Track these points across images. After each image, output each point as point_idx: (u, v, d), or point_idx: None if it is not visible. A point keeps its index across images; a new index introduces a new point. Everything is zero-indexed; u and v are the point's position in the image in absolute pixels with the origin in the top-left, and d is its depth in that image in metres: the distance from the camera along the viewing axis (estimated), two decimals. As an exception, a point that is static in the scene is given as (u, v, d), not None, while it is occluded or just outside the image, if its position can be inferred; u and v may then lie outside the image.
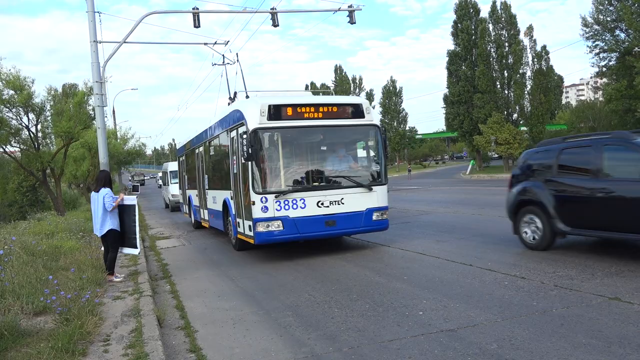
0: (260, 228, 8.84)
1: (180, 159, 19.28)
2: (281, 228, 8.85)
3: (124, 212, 8.30)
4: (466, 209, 16.05)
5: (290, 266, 8.82)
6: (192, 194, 16.34)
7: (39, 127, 21.21)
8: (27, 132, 20.83)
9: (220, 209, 11.71)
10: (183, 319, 6.18)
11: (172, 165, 27.10)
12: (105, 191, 7.97)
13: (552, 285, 6.32)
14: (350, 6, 15.89)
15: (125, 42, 13.60)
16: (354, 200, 9.26)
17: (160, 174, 36.13)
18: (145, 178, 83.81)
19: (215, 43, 16.18)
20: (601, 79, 39.73)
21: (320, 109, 9.35)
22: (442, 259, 8.45)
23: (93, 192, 8.23)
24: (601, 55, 34.37)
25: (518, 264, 7.58)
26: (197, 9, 14.81)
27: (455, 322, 5.24)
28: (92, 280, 7.39)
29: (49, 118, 21.89)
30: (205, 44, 16.35)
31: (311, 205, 8.98)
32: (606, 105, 35.00)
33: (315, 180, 9.29)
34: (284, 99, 9.60)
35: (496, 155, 51.64)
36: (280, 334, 5.35)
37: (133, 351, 4.74)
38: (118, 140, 36.58)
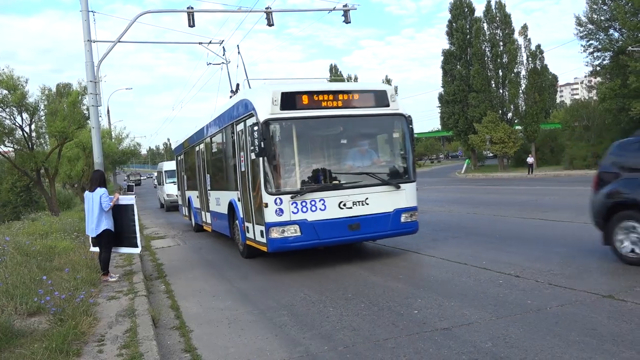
0: (274, 234, 7.79)
1: (179, 157, 18.21)
2: (298, 233, 7.82)
3: (120, 212, 8.27)
4: (461, 207, 16.10)
5: (285, 265, 8.81)
6: (192, 195, 15.25)
7: (32, 126, 21.15)
8: (20, 132, 20.77)
9: (225, 211, 10.63)
10: (178, 318, 6.17)
11: (167, 165, 27.04)
12: (101, 191, 7.93)
13: (547, 283, 6.35)
14: (345, 5, 15.89)
15: (119, 41, 13.54)
16: (380, 200, 8.26)
17: (156, 174, 36.08)
18: (142, 178, 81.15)
19: (210, 42, 16.14)
20: (595, 78, 39.92)
21: (340, 97, 8.31)
22: (437, 257, 8.47)
23: (87, 192, 8.19)
24: (595, 54, 34.58)
25: (512, 262, 7.61)
26: (192, 8, 14.77)
27: (450, 320, 5.25)
28: (86, 281, 7.36)
29: (42, 118, 21.83)
30: (200, 43, 16.31)
31: (332, 206, 7.97)
32: (600, 104, 35.14)
33: (335, 178, 8.29)
34: (298, 85, 8.62)
35: (491, 154, 51.79)
36: (275, 334, 5.35)
37: (128, 351, 4.73)
38: (113, 140, 36.50)
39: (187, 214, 16.89)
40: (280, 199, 7.76)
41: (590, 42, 34.29)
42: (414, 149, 9.09)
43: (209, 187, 12.52)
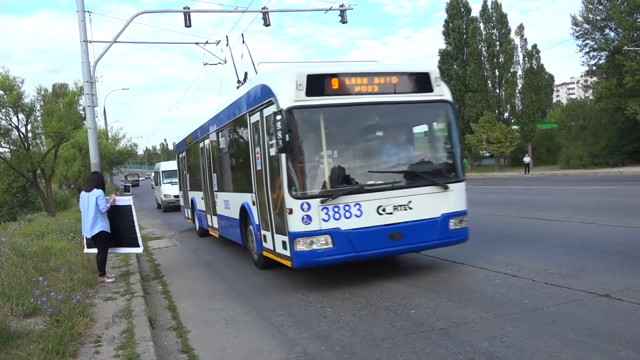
0: (301, 246, 6.52)
1: (180, 155, 16.75)
2: (330, 245, 6.52)
3: (117, 213, 8.24)
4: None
5: (282, 265, 8.79)
6: (196, 196, 13.95)
7: (28, 127, 21.09)
8: (16, 133, 20.71)
9: (237, 216, 9.35)
10: (175, 319, 6.16)
11: (165, 165, 27.01)
12: (97, 192, 7.90)
13: (543, 282, 6.36)
14: (341, 5, 15.89)
15: (115, 41, 13.51)
16: (426, 204, 7.01)
17: (153, 174, 36.01)
18: (140, 179, 79.26)
19: (207, 43, 16.12)
20: (591, 77, 40.07)
21: (376, 81, 7.05)
22: (434, 257, 8.48)
23: (83, 192, 8.16)
24: (591, 54, 34.71)
25: (509, 262, 7.62)
26: (188, 8, 14.76)
27: (447, 320, 5.26)
28: (83, 281, 7.34)
29: (39, 118, 21.78)
30: (196, 43, 16.28)
31: (369, 211, 6.70)
32: (596, 103, 35.31)
33: (372, 178, 7.07)
34: (326, 67, 7.50)
35: (488, 154, 51.90)
36: (272, 334, 5.34)
37: (124, 352, 4.72)
38: (109, 141, 36.43)
39: (190, 216, 15.56)
40: (307, 203, 6.48)
41: (586, 41, 34.42)
42: (460, 142, 7.82)
43: (215, 188, 11.33)
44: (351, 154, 7.32)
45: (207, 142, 11.96)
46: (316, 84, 6.72)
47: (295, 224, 6.52)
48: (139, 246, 8.40)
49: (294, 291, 7.00)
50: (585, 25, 34.16)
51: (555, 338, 4.54)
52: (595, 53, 34.42)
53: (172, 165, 26.84)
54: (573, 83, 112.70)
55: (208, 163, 11.95)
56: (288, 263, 6.89)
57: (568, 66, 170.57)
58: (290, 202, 6.52)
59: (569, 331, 4.67)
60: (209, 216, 12.39)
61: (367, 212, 6.68)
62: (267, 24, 15.51)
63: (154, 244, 13.37)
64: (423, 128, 8.00)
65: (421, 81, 7.33)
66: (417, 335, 4.91)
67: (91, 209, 7.85)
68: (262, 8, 15.40)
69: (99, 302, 6.64)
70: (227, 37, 15.18)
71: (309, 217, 6.49)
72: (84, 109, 16.66)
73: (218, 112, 10.72)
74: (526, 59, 41.98)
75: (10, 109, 19.88)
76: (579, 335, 4.56)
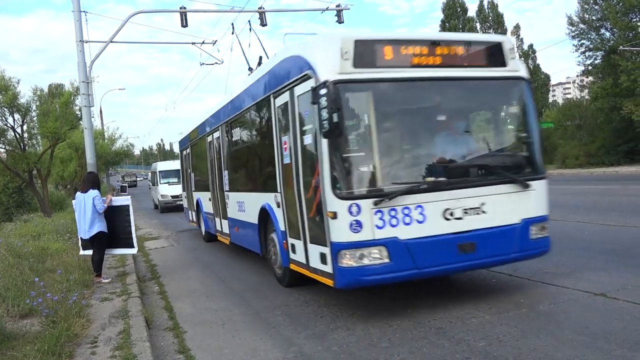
0: (348, 260, 5.14)
1: (184, 152, 15.38)
2: (385, 260, 5.16)
3: (114, 213, 8.22)
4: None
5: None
6: (202, 197, 12.58)
7: (24, 127, 21.11)
8: (12, 133, 20.69)
9: (254, 220, 7.97)
10: (172, 319, 6.16)
11: (161, 165, 26.98)
12: (94, 193, 7.88)
13: (540, 282, 6.38)
14: (338, 5, 15.88)
15: (112, 41, 13.47)
16: (502, 206, 5.65)
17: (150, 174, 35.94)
18: (138, 179, 77.21)
19: (203, 43, 16.11)
20: (587, 77, 40.15)
21: (438, 51, 5.70)
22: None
23: (79, 193, 8.14)
24: (587, 53, 34.75)
25: (506, 261, 7.63)
26: (185, 8, 14.72)
27: (444, 320, 5.26)
28: (79, 282, 7.32)
29: (35, 118, 21.76)
30: (193, 43, 16.27)
31: (434, 216, 5.35)
32: (592, 103, 35.37)
33: (435, 173, 5.56)
34: (377, 33, 6.07)
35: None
36: (269, 334, 5.34)
37: (121, 353, 4.71)
38: (105, 141, 36.37)
39: (194, 219, 14.18)
40: (357, 205, 5.11)
41: (582, 41, 34.47)
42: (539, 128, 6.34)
43: (227, 188, 9.92)
44: (410, 143, 5.88)
45: (216, 135, 10.65)
46: (366, 52, 5.38)
47: (340, 231, 5.15)
48: (133, 247, 8.38)
49: (291, 291, 6.99)
50: (581, 25, 34.21)
51: (551, 337, 4.55)
52: (591, 53, 34.48)
53: (169, 165, 26.84)
54: (569, 83, 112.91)
55: (217, 159, 10.60)
56: (328, 281, 5.48)
57: (564, 66, 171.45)
58: (334, 203, 5.15)
59: (565, 330, 4.69)
60: (217, 220, 11.01)
61: (431, 216, 5.36)
62: (263, 24, 15.49)
63: (151, 244, 13.34)
64: (495, 111, 6.45)
65: (492, 53, 6.01)
66: (414, 335, 4.92)
67: (88, 210, 7.83)
68: (259, 8, 15.38)
69: (96, 303, 6.63)
70: (232, 24, 14.27)
71: (359, 223, 5.12)
72: (80, 109, 16.64)
73: (230, 100, 9.42)
74: (522, 58, 42.10)
75: (5, 109, 19.87)
76: (575, 334, 4.57)
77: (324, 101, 5.01)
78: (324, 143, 5.18)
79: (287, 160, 6.36)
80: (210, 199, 11.48)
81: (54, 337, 4.86)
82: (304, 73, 5.64)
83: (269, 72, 7.02)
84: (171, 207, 23.48)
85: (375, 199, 5.15)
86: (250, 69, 11.34)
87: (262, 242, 7.98)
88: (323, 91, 5.04)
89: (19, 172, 21.88)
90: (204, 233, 12.92)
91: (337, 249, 5.19)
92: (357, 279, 5.23)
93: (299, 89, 5.85)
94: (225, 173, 9.98)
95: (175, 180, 24.19)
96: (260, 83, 7.41)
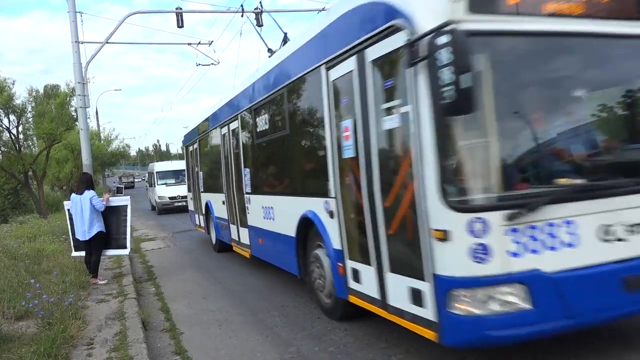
0: (466, 306, 3.50)
1: (190, 148, 13.49)
2: (526, 305, 3.50)
3: (110, 213, 8.20)
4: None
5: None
6: (213, 199, 10.79)
7: (20, 128, 21.05)
8: (7, 134, 20.62)
9: (291, 232, 6.22)
10: (168, 321, 6.14)
11: (158, 166, 26.93)
12: (91, 193, 7.85)
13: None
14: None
15: (107, 42, 13.45)
16: None
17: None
18: (135, 180, 75.99)
19: (199, 43, 16.10)
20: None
21: None
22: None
23: (74, 194, 8.11)
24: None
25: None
26: (181, 9, 14.70)
27: (441, 319, 5.25)
28: (75, 283, 7.29)
29: (30, 119, 21.72)
30: (189, 44, 16.26)
31: (587, 236, 3.68)
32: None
33: (584, 172, 3.97)
34: None
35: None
36: (266, 335, 5.33)
37: (117, 354, 4.69)
38: (102, 142, 36.27)
39: (202, 224, 12.30)
40: (483, 221, 3.44)
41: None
42: None
43: (247, 189, 8.14)
44: (550, 126, 4.02)
45: (233, 126, 8.80)
46: None
47: (454, 260, 3.51)
48: (125, 247, 8.35)
49: (288, 292, 6.99)
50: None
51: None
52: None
53: (166, 166, 26.82)
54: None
55: (235, 155, 8.77)
56: (428, 333, 3.84)
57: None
58: (444, 217, 3.50)
59: (562, 330, 4.68)
60: (234, 227, 9.24)
61: (584, 237, 3.67)
62: (260, 25, 15.47)
63: (147, 245, 13.32)
64: None
65: None
66: (412, 334, 4.90)
67: (86, 210, 7.78)
68: (255, 9, 15.37)
69: (92, 305, 6.60)
70: (242, 5, 13.58)
71: (485, 249, 3.45)
72: (75, 110, 16.58)
73: (253, 83, 7.67)
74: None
75: (1, 110, 19.80)
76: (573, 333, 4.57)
77: (444, 58, 3.27)
78: (430, 125, 3.51)
79: (348, 154, 4.73)
80: (224, 202, 9.72)
81: (50, 339, 4.83)
82: (389, 24, 3.88)
83: (319, 35, 5.29)
84: (169, 209, 23.42)
85: (510, 212, 3.46)
86: (269, 50, 10.09)
87: (299, 261, 6.24)
88: (443, 40, 3.27)
89: (14, 173, 21.83)
90: (214, 241, 11.14)
91: (448, 286, 3.52)
92: (481, 335, 3.51)
93: (374, 51, 4.18)
94: (246, 171, 8.19)
95: (173, 181, 24.16)
96: (302, 54, 5.79)
